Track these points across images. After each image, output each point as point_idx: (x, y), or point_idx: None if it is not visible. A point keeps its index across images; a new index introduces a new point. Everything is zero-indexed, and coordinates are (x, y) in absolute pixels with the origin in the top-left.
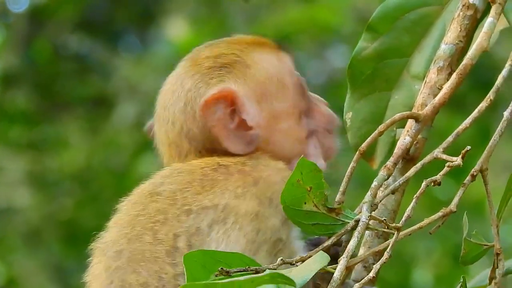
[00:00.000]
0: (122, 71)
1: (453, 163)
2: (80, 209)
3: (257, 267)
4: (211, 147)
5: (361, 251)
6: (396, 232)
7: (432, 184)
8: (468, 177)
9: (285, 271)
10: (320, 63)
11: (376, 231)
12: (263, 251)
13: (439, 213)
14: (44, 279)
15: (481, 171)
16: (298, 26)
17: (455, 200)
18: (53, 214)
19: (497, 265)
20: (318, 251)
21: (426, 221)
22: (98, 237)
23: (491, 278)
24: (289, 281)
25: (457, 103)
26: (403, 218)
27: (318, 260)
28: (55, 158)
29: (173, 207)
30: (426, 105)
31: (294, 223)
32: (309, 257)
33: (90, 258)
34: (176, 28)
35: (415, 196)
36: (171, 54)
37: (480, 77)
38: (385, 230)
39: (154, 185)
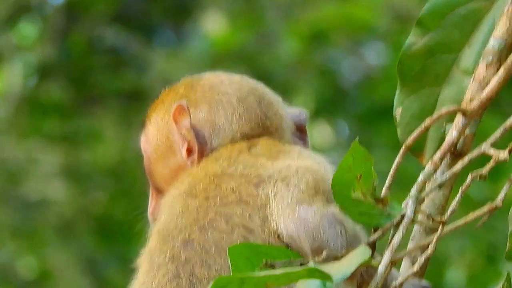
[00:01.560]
0: (157, 65)
1: (500, 157)
2: (113, 202)
3: (301, 260)
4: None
5: (410, 246)
6: (441, 226)
7: (478, 178)
8: None
9: (329, 266)
10: (356, 60)
11: (422, 225)
12: (319, 198)
13: (484, 208)
14: (77, 272)
15: None
16: (333, 23)
17: (501, 195)
18: (86, 207)
19: None
20: (366, 245)
21: (471, 215)
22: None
23: None
24: (326, 276)
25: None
26: (448, 212)
27: (359, 254)
28: (89, 151)
29: (248, 185)
30: (475, 100)
31: (341, 209)
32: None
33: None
34: (212, 23)
35: (460, 188)
36: (206, 49)
37: None
38: (429, 224)
39: (222, 167)
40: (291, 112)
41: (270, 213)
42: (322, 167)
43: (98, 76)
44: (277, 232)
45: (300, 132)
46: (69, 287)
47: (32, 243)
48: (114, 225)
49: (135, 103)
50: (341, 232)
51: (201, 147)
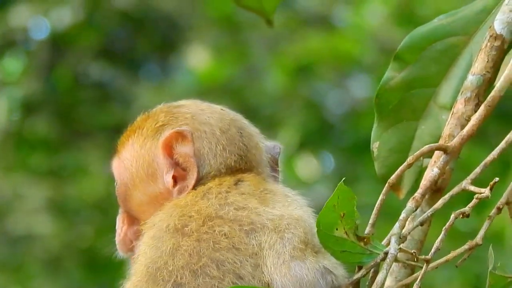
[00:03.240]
0: (143, 99)
1: (482, 194)
2: (100, 236)
3: None
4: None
5: (388, 282)
6: (425, 264)
7: (461, 216)
8: (494, 210)
9: None
10: (341, 93)
11: (404, 263)
12: (309, 249)
13: (465, 246)
14: None
15: (507, 203)
16: (319, 56)
17: (481, 233)
18: (73, 241)
19: None
20: (349, 284)
21: (452, 254)
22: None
23: None
24: None
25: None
26: (432, 250)
27: None
28: (75, 185)
29: (239, 231)
30: (453, 136)
31: (324, 247)
32: None
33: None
34: (197, 57)
35: (444, 228)
36: (192, 83)
37: (500, 107)
38: (413, 263)
39: (214, 208)
40: (267, 145)
41: (264, 264)
42: (309, 216)
43: (83, 111)
44: (270, 285)
45: (273, 166)
46: None
47: (19, 277)
48: (100, 259)
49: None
50: (332, 281)
51: (197, 177)
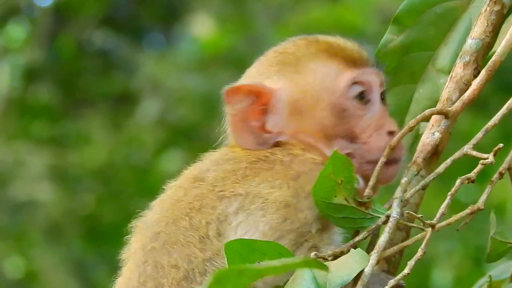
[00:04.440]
0: (146, 68)
1: (486, 160)
2: (101, 205)
3: (291, 258)
4: None
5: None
6: (430, 229)
7: (466, 181)
8: (496, 175)
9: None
10: None
11: (407, 227)
12: (287, 240)
13: (467, 210)
14: (64, 274)
15: (509, 169)
16: (322, 26)
17: (483, 197)
18: (74, 209)
19: None
20: (350, 246)
21: (454, 217)
22: (141, 215)
23: None
24: (323, 266)
25: (480, 105)
26: (438, 215)
27: (358, 260)
28: (77, 153)
29: (211, 193)
30: (451, 100)
31: (324, 216)
32: (341, 252)
33: (130, 235)
34: (200, 26)
35: (449, 193)
36: (195, 52)
37: (503, 79)
38: (418, 226)
39: (200, 170)
40: None
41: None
42: (294, 196)
43: (86, 79)
44: None
45: None
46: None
47: (19, 244)
48: (101, 227)
49: (124, 105)
50: None
51: None
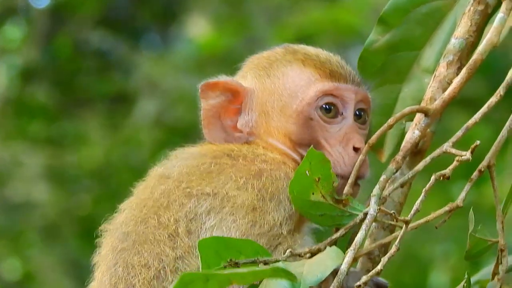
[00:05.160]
0: (143, 69)
1: (463, 157)
2: (98, 205)
3: (266, 258)
4: None
5: (367, 243)
6: (404, 225)
7: (441, 178)
8: (476, 172)
9: (297, 264)
10: None
11: (383, 224)
12: (260, 244)
13: (446, 208)
14: (61, 274)
15: (489, 166)
16: (319, 27)
17: (462, 194)
18: (71, 209)
19: (501, 261)
20: (327, 244)
21: (432, 215)
22: (110, 219)
23: (494, 274)
24: (291, 276)
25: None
26: (412, 212)
27: (333, 256)
28: (75, 154)
29: (177, 190)
30: (435, 99)
31: (301, 213)
32: (318, 250)
33: (101, 238)
34: (197, 27)
35: (424, 189)
36: (192, 53)
37: (499, 79)
38: (393, 223)
39: (166, 167)
40: None
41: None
42: (259, 198)
43: (84, 79)
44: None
45: None
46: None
47: (16, 244)
48: (98, 227)
49: (121, 106)
50: None
51: None
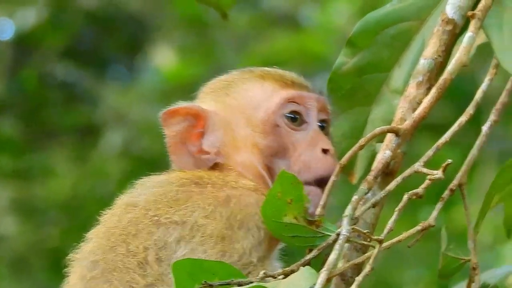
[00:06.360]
0: (110, 100)
1: (434, 176)
2: (66, 237)
3: (241, 280)
4: None
5: (340, 264)
6: (378, 245)
7: (414, 197)
8: (447, 191)
9: (271, 286)
10: None
11: (355, 244)
12: None
13: (418, 227)
14: None
15: (460, 185)
16: (286, 55)
17: (434, 214)
18: (39, 242)
19: (473, 279)
20: (300, 265)
21: (404, 234)
22: (77, 249)
23: None
24: None
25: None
26: (385, 231)
27: (307, 277)
28: (42, 186)
29: (145, 218)
30: (405, 120)
31: (274, 235)
32: (291, 271)
33: (68, 269)
34: (163, 57)
35: (396, 209)
36: (158, 83)
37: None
38: (366, 243)
39: (131, 196)
40: None
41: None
42: (228, 227)
43: (50, 111)
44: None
45: None
46: None
47: None
48: (66, 260)
49: (88, 137)
50: None
51: None
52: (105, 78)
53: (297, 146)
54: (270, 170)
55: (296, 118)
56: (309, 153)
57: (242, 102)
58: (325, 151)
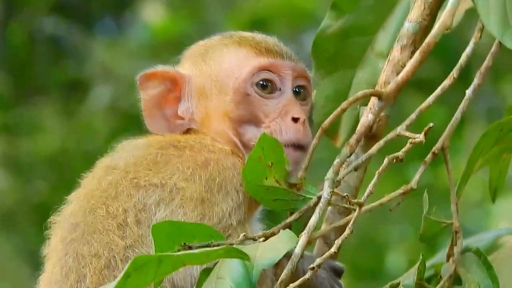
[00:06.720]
0: (98, 55)
1: (416, 139)
2: (54, 192)
3: (220, 241)
4: None
5: (323, 227)
6: (358, 208)
7: (395, 160)
8: (429, 155)
9: (251, 248)
10: (296, 48)
11: (337, 207)
12: None
13: (400, 190)
14: (18, 261)
15: (442, 149)
16: (273, 11)
17: (416, 177)
18: (27, 197)
19: (456, 243)
20: (281, 228)
21: (386, 197)
22: (58, 211)
23: (449, 256)
24: (244, 255)
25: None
26: (365, 194)
27: (286, 240)
28: (30, 141)
29: (125, 180)
30: (389, 83)
31: (256, 199)
32: (272, 233)
33: (49, 231)
34: (152, 12)
35: (377, 172)
36: (146, 38)
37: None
38: (347, 206)
39: (112, 158)
40: None
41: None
42: (207, 190)
43: (38, 67)
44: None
45: None
46: (9, 277)
47: None
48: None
49: (76, 93)
50: None
51: None
52: (93, 33)
53: (269, 114)
54: (241, 137)
55: (266, 86)
56: (280, 120)
57: (216, 70)
58: (295, 119)
